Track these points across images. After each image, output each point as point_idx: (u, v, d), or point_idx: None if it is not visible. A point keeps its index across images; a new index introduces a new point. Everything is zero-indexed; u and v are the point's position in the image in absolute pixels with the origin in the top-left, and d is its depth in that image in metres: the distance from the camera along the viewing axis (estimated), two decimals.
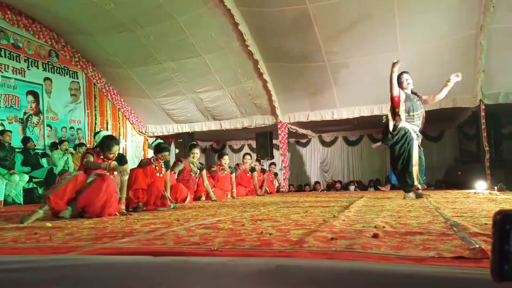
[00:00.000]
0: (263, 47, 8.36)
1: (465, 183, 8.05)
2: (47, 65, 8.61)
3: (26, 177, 6.69)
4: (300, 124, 10.65)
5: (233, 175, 7.06)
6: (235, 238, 1.78)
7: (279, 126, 9.89)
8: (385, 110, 8.79)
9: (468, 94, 8.05)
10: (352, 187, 11.66)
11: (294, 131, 11.03)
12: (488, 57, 7.26)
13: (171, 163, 5.91)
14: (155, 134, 11.40)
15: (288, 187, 10.24)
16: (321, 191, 11.48)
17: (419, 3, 6.83)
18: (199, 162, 6.21)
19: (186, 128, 11.04)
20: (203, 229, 2.17)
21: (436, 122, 10.81)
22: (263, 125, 10.24)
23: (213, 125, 10.75)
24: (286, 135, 10.05)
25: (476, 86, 7.78)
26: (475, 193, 6.18)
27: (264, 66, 8.74)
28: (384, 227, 2.07)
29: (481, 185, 7.26)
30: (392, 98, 4.91)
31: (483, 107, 7.84)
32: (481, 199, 4.57)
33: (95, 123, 9.87)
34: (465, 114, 9.20)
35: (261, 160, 10.43)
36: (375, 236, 1.71)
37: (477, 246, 1.40)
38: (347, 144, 13.12)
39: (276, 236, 1.82)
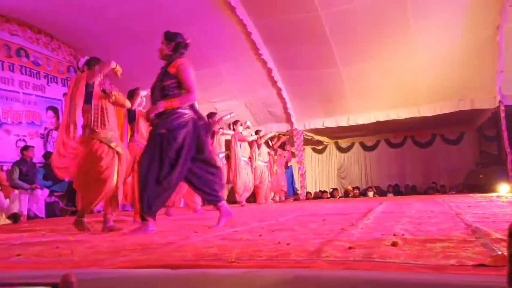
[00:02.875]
0: (277, 55, 8.38)
1: (487, 186, 7.85)
2: (66, 80, 8.82)
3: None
4: (316, 131, 10.60)
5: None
6: (253, 248, 1.78)
7: (294, 134, 9.87)
8: (402, 114, 8.76)
9: (487, 95, 7.89)
10: (370, 193, 11.50)
11: (309, 138, 10.96)
12: (506, 56, 7.11)
13: None
14: None
15: (305, 195, 10.17)
16: (339, 197, 11.36)
17: (433, 4, 6.76)
18: None
19: None
20: (220, 240, 2.18)
21: (455, 124, 10.59)
22: (278, 133, 10.23)
23: None
24: (302, 142, 10.02)
25: (495, 87, 7.63)
26: (497, 196, 6.02)
27: (278, 74, 8.76)
28: (403, 234, 2.04)
29: (504, 188, 7.08)
30: None
31: (503, 107, 7.67)
32: (504, 202, 4.45)
33: None
34: (484, 115, 9.00)
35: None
36: (394, 244, 1.69)
37: (499, 253, 1.37)
38: (364, 149, 12.97)
39: (294, 246, 1.82)
